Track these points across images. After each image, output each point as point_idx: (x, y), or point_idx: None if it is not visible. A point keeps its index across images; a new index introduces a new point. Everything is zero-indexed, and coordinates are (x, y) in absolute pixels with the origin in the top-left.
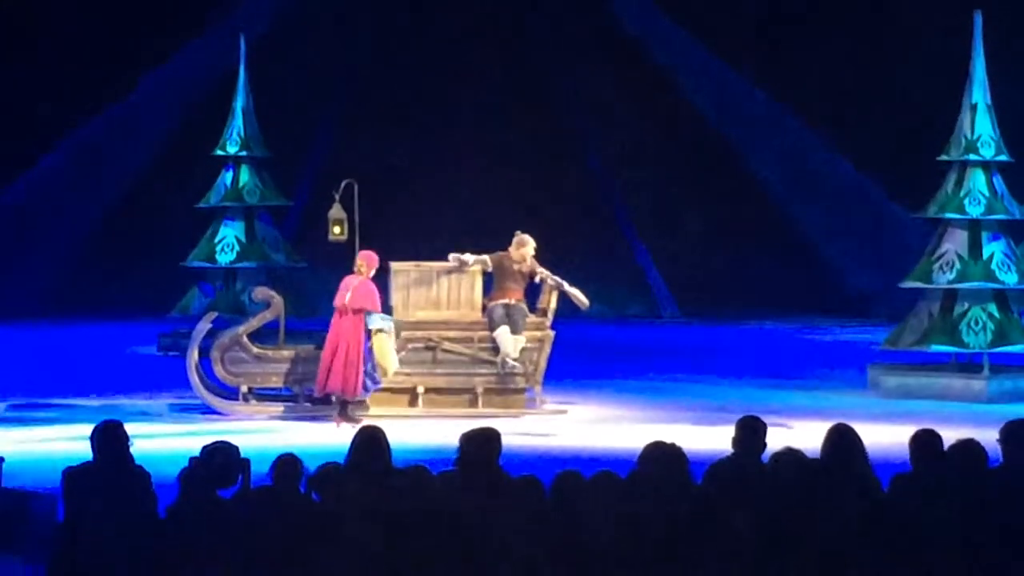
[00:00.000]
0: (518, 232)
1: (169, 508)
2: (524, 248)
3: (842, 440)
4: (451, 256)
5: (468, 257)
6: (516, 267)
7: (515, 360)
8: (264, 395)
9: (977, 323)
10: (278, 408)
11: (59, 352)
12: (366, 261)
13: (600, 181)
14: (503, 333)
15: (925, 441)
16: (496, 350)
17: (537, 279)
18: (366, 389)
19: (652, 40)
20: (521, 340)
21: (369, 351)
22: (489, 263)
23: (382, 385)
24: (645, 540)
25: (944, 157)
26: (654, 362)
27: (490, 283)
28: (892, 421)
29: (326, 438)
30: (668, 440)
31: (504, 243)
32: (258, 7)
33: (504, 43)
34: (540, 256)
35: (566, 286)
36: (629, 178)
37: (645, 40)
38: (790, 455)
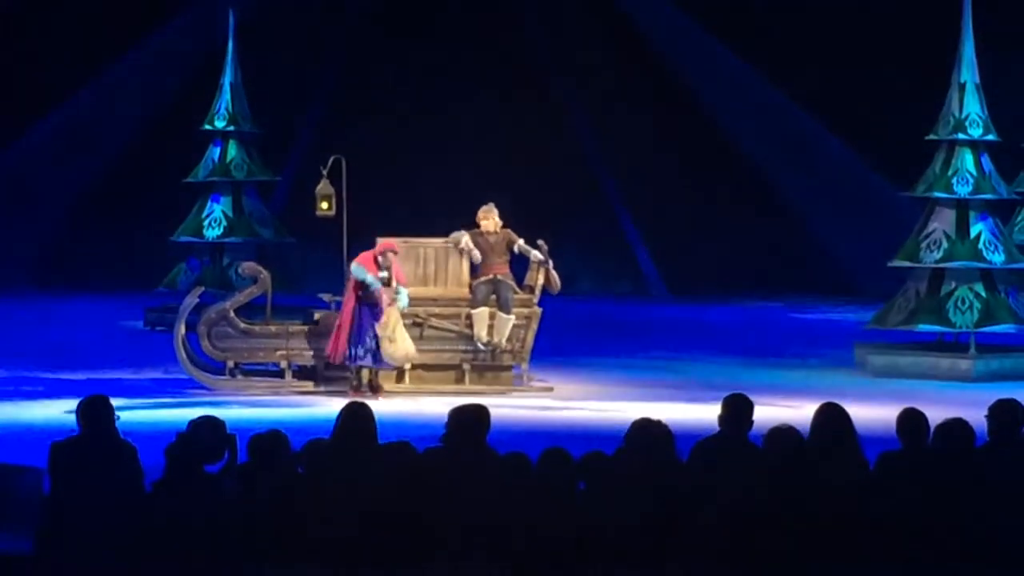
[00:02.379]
0: (482, 207)
1: (155, 483)
2: (490, 217)
3: (831, 418)
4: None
5: (463, 238)
6: (492, 241)
7: (486, 344)
8: (251, 370)
9: (964, 302)
10: (265, 383)
11: (45, 326)
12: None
13: (590, 159)
14: (479, 314)
15: (911, 420)
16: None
17: (516, 250)
18: (351, 359)
19: (643, 17)
20: (511, 319)
21: (368, 325)
22: (475, 251)
23: (380, 364)
24: (631, 517)
25: (932, 136)
26: (641, 340)
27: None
28: (879, 400)
29: (312, 413)
30: (655, 417)
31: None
32: None
33: (497, 18)
34: (528, 233)
35: (549, 265)
36: (618, 156)
37: (636, 17)
38: (787, 432)
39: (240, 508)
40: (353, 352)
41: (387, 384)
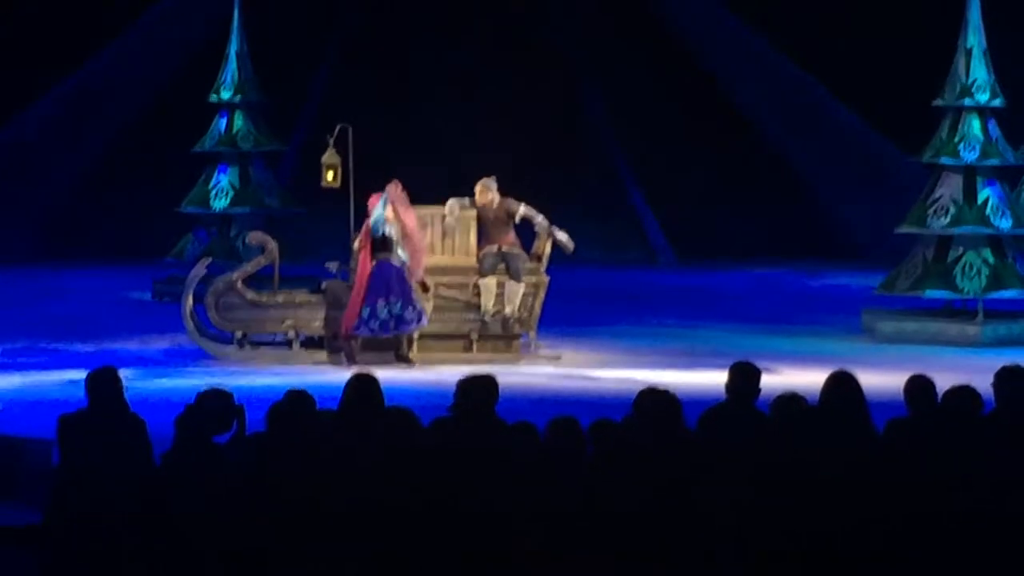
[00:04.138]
0: (480, 181)
1: (164, 455)
2: (488, 194)
3: (842, 386)
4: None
5: (452, 203)
6: (492, 215)
7: (493, 315)
8: (258, 341)
9: (971, 268)
10: (273, 354)
11: (53, 297)
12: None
13: (596, 126)
14: (487, 284)
15: (920, 386)
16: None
17: (519, 219)
18: (357, 328)
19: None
20: (521, 287)
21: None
22: (448, 219)
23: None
24: (639, 486)
25: (939, 102)
26: (649, 307)
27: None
28: (886, 366)
29: (320, 382)
30: (662, 386)
31: (499, 190)
32: None
33: None
34: (536, 203)
35: (556, 230)
36: (625, 123)
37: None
38: (792, 400)
39: (251, 478)
40: (361, 321)
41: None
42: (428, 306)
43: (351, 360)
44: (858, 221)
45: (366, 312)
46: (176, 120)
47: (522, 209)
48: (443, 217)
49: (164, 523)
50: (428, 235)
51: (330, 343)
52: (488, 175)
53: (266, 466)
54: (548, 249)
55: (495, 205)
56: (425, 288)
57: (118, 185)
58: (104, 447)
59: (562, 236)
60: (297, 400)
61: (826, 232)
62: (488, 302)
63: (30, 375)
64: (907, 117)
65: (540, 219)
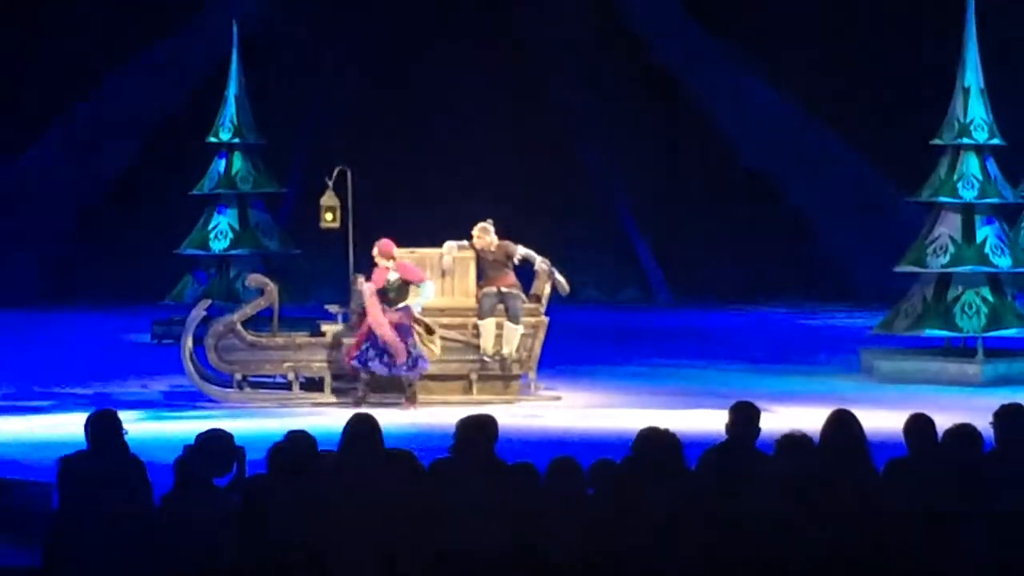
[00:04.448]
0: (477, 225)
1: (164, 496)
2: (486, 237)
3: (842, 426)
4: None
5: (453, 246)
6: (491, 257)
7: (492, 356)
8: (258, 383)
9: (971, 307)
10: (272, 396)
11: (53, 340)
12: (384, 250)
13: (594, 167)
14: (486, 326)
15: (919, 425)
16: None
17: (517, 260)
18: (360, 360)
19: (649, 26)
20: (520, 329)
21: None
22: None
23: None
24: (641, 526)
25: (937, 141)
26: (648, 347)
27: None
28: (886, 405)
29: (319, 424)
30: (662, 425)
31: (497, 231)
32: None
33: (500, 30)
34: (534, 242)
35: (554, 272)
36: (623, 164)
37: (642, 26)
38: (801, 439)
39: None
40: (363, 355)
41: (393, 394)
42: (435, 348)
43: (361, 400)
44: (856, 260)
45: (366, 346)
46: (175, 162)
47: (520, 251)
48: (440, 257)
49: (164, 565)
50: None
51: (332, 385)
52: (485, 219)
53: (266, 508)
54: (547, 290)
55: (494, 247)
56: (430, 331)
57: (117, 227)
58: (104, 489)
59: (560, 278)
60: (297, 441)
61: (824, 271)
62: (488, 344)
63: (30, 417)
64: (905, 156)
65: (539, 260)
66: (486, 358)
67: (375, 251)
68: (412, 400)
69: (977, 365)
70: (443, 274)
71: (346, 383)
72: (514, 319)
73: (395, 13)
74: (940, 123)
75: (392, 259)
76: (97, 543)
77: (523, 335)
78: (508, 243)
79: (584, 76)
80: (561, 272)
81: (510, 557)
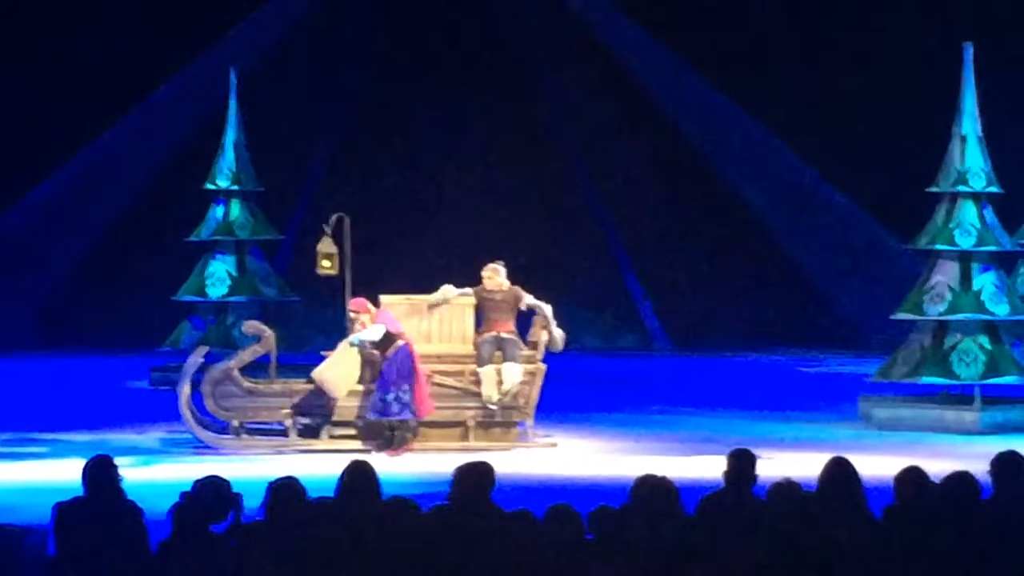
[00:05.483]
0: (488, 265)
1: (161, 543)
2: (496, 277)
3: (839, 473)
4: (440, 293)
5: (451, 290)
6: (499, 298)
7: (495, 403)
8: (255, 429)
9: (968, 355)
10: (269, 443)
11: (50, 385)
12: (358, 308)
13: (592, 214)
14: (487, 372)
15: (910, 479)
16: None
17: (524, 307)
18: (383, 412)
19: (645, 72)
20: (519, 368)
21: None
22: (473, 298)
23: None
24: (640, 572)
25: (934, 189)
26: (646, 394)
27: (482, 316)
28: (884, 453)
29: (316, 471)
30: (659, 473)
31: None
32: (249, 40)
33: (500, 75)
34: (531, 288)
35: (552, 324)
36: (621, 211)
37: (639, 72)
38: (788, 487)
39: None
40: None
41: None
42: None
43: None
44: (853, 308)
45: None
46: (172, 208)
47: (529, 299)
48: (436, 302)
49: None
50: (424, 324)
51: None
52: (483, 265)
53: (263, 555)
54: (544, 337)
55: (504, 288)
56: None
57: (114, 273)
58: (101, 535)
59: (557, 333)
60: (294, 488)
61: (821, 319)
62: (490, 390)
63: (27, 463)
64: (902, 204)
65: (545, 310)
66: (490, 405)
67: (349, 309)
68: (397, 447)
69: (975, 413)
70: (440, 322)
71: (344, 431)
72: (512, 360)
73: (395, 61)
74: (937, 171)
75: (367, 312)
76: None
77: (521, 383)
78: (518, 289)
79: (584, 127)
80: (560, 323)
81: None
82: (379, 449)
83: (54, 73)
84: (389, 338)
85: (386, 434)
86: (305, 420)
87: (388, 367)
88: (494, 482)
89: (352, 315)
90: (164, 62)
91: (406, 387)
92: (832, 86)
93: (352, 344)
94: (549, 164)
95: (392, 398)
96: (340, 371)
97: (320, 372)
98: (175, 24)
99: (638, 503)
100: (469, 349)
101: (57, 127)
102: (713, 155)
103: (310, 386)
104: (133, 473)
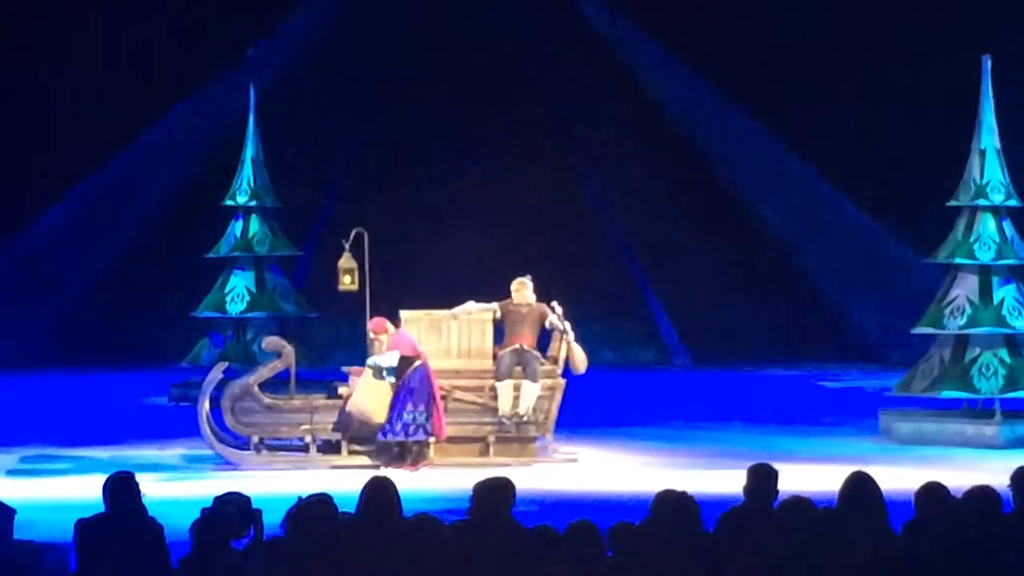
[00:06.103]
0: (516, 278)
1: (181, 560)
2: (524, 291)
3: (860, 487)
4: (462, 307)
5: (472, 305)
6: (524, 312)
7: (510, 417)
8: (275, 445)
9: (988, 368)
10: (289, 458)
11: (70, 402)
12: (377, 329)
13: (610, 229)
14: (504, 388)
15: (931, 494)
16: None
17: (548, 324)
18: (384, 434)
19: (662, 87)
20: (536, 388)
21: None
22: (498, 311)
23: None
24: None
25: (953, 202)
26: (665, 409)
27: (501, 332)
28: (905, 466)
29: (336, 487)
30: (679, 488)
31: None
32: (267, 57)
33: (513, 91)
34: (549, 302)
35: (573, 344)
36: (639, 225)
37: (656, 86)
38: (796, 503)
39: None
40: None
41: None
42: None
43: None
44: (873, 322)
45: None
46: (191, 224)
47: (554, 319)
48: (456, 317)
49: None
50: (444, 340)
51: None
52: (503, 280)
53: (284, 571)
54: (564, 353)
55: (532, 302)
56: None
57: (133, 290)
58: (122, 552)
59: (579, 356)
60: (315, 504)
61: (841, 333)
62: (506, 406)
63: (48, 480)
64: (921, 217)
65: (567, 329)
66: (504, 420)
67: (368, 329)
68: (414, 463)
69: (995, 426)
70: (459, 338)
71: (365, 447)
72: (531, 378)
73: (407, 78)
74: (957, 184)
75: (386, 332)
76: None
77: (540, 397)
78: (544, 306)
79: (601, 141)
80: (579, 338)
81: None
82: (387, 465)
83: (74, 90)
84: (406, 361)
85: (394, 450)
86: (359, 448)
87: (405, 389)
88: (514, 498)
89: (371, 335)
90: (183, 79)
91: (423, 408)
92: (851, 100)
93: (369, 367)
94: (567, 178)
95: (410, 419)
96: (372, 396)
97: (355, 403)
98: (194, 42)
99: (658, 519)
100: (488, 365)
101: (76, 145)
102: (731, 169)
103: (330, 402)
104: (154, 489)
